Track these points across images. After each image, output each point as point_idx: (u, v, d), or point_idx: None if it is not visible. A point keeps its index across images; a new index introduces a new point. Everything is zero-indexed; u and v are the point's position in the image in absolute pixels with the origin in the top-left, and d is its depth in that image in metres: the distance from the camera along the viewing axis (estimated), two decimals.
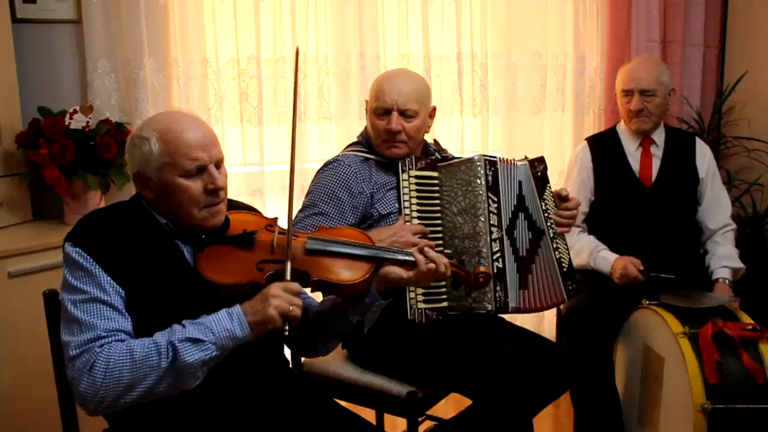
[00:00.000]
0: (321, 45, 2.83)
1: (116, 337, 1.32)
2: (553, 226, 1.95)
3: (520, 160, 1.97)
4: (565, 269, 1.95)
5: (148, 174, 1.41)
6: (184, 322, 1.33)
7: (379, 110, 1.96)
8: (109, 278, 1.35)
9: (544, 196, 1.96)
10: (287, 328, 1.31)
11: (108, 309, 1.33)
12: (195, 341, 1.29)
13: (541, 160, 1.99)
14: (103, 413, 1.33)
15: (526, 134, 3.10)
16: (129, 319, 1.35)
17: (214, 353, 1.30)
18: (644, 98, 2.47)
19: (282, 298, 1.30)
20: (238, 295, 1.40)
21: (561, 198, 2.00)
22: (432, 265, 1.47)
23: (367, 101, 2.05)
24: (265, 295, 1.31)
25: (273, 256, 1.44)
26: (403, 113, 1.94)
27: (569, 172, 2.67)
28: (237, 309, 1.33)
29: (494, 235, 1.83)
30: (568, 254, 2.00)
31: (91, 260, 1.35)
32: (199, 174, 1.41)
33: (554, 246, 1.94)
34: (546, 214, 1.95)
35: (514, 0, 2.99)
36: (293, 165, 1.52)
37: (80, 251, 1.36)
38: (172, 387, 1.30)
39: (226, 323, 1.31)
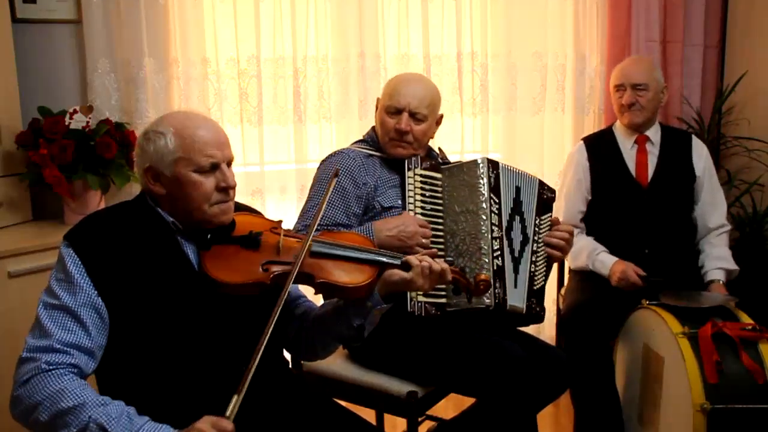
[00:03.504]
0: (321, 45, 2.83)
1: (68, 359, 1.31)
2: (539, 241, 2.00)
3: (532, 175, 2.06)
4: (534, 287, 1.97)
5: (161, 169, 1.42)
6: (127, 410, 1.29)
7: (391, 109, 2.01)
8: (91, 288, 1.34)
9: (543, 218, 2.03)
10: None
11: (72, 321, 1.33)
12: None
13: (553, 190, 2.10)
14: (22, 425, 1.34)
15: (526, 134, 3.10)
16: (92, 336, 1.34)
17: None
18: (636, 92, 2.50)
19: None
20: (239, 297, 1.41)
21: (554, 223, 2.06)
22: (426, 264, 1.48)
23: (378, 99, 2.10)
24: (190, 428, 1.23)
25: (278, 257, 1.45)
26: (414, 115, 2.00)
27: (566, 171, 2.68)
28: None
29: (495, 234, 1.87)
30: (544, 278, 2.02)
31: (81, 265, 1.35)
32: (212, 171, 1.43)
33: (533, 259, 1.98)
34: (537, 228, 2.00)
35: (514, 0, 3.00)
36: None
37: (73, 254, 1.36)
38: None
39: None
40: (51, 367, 1.30)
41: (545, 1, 3.02)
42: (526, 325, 2.06)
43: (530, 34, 3.03)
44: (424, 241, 1.87)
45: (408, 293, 1.82)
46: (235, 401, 1.23)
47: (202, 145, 1.41)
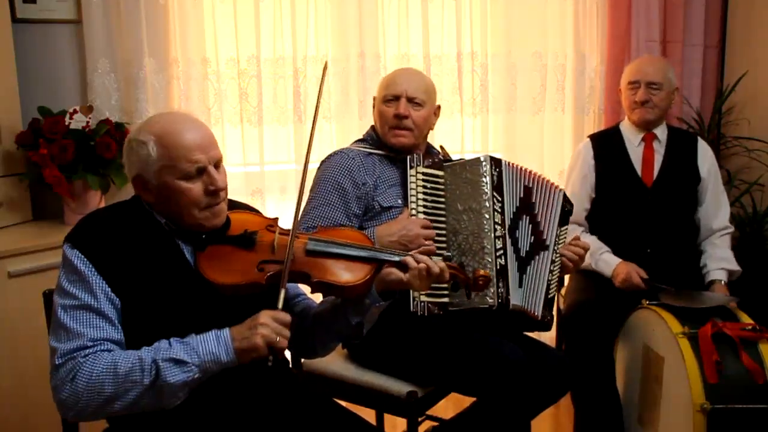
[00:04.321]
0: (321, 45, 2.83)
1: (102, 347, 1.31)
2: (557, 251, 1.98)
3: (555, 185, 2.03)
4: (549, 296, 1.96)
5: (147, 177, 1.41)
6: (171, 339, 1.32)
7: (388, 97, 2.03)
8: (104, 284, 1.34)
9: (562, 229, 2.01)
10: (271, 358, 1.30)
11: (97, 317, 1.33)
12: (178, 362, 1.28)
13: (571, 203, 2.08)
14: (82, 421, 1.34)
15: (526, 134, 3.10)
16: (119, 329, 1.34)
17: (196, 375, 1.29)
18: (650, 90, 2.49)
19: (270, 327, 1.29)
20: (238, 296, 1.41)
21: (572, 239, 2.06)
22: (423, 266, 1.47)
23: (375, 97, 2.11)
24: (254, 322, 1.30)
25: (274, 256, 1.44)
26: (412, 100, 2.01)
27: (571, 168, 2.67)
28: (225, 333, 1.31)
29: (497, 233, 1.85)
30: (557, 287, 2.01)
31: (89, 264, 1.34)
32: (199, 175, 1.40)
33: (551, 267, 1.96)
34: (557, 239, 1.98)
35: (514, 0, 3.00)
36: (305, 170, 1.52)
37: (78, 254, 1.35)
38: (153, 404, 1.30)
39: (212, 346, 1.30)
40: (88, 356, 1.29)
41: (545, 1, 3.02)
42: (532, 331, 2.05)
43: (530, 34, 3.03)
44: (426, 242, 1.86)
45: (410, 293, 1.81)
46: (283, 294, 1.35)
47: (186, 151, 1.38)
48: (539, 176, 2.01)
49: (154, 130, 1.40)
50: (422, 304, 1.82)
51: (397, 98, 2.01)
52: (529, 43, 3.04)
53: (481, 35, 3.00)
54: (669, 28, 3.12)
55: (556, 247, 1.98)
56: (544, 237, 1.97)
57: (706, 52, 3.20)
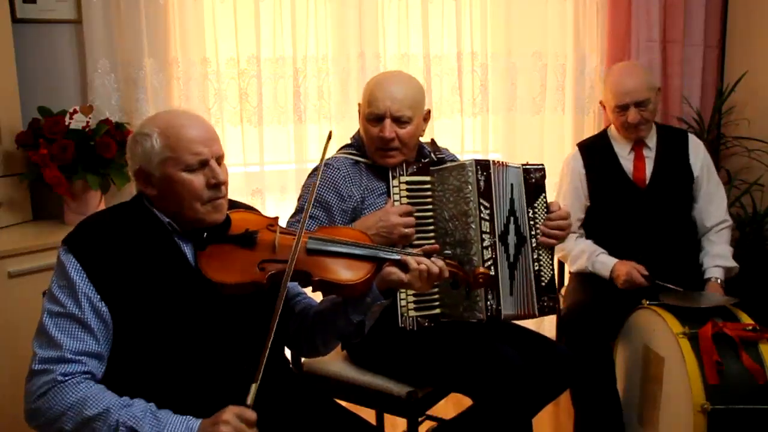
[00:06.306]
0: (321, 45, 2.83)
1: (82, 367, 1.32)
2: (537, 236, 1.90)
3: (514, 164, 1.92)
4: (543, 283, 1.89)
5: (150, 170, 1.42)
6: (149, 407, 1.31)
7: (371, 116, 1.91)
8: (93, 292, 1.34)
9: (535, 205, 1.91)
10: None
11: (79, 328, 1.33)
12: None
13: (539, 169, 1.93)
14: None
15: (526, 134, 3.10)
16: (100, 341, 1.34)
17: None
18: (640, 109, 2.43)
19: (232, 425, 1.24)
20: (238, 296, 1.40)
21: (549, 210, 1.93)
22: (423, 267, 1.46)
23: (360, 104, 2.02)
24: (217, 419, 1.25)
25: (275, 255, 1.44)
26: (397, 120, 1.89)
27: (562, 179, 2.67)
28: (195, 426, 1.29)
29: (486, 243, 1.81)
30: (551, 269, 1.93)
31: (81, 270, 1.35)
32: (201, 168, 1.42)
33: (534, 257, 1.88)
34: (532, 223, 1.89)
35: (514, 0, 2.99)
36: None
37: (72, 259, 1.36)
38: None
39: None
40: (67, 378, 1.30)
41: (545, 1, 3.02)
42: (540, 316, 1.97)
43: (530, 34, 3.03)
44: (406, 230, 1.82)
45: (398, 309, 1.81)
46: (254, 389, 1.25)
47: (188, 143, 1.40)
48: (513, 166, 1.88)
49: (158, 124, 1.43)
50: (411, 319, 1.81)
51: (380, 118, 1.89)
52: (529, 43, 3.04)
53: (481, 35, 3.00)
54: (669, 28, 3.12)
55: (533, 232, 1.87)
56: (522, 230, 1.87)
57: (706, 52, 3.20)
